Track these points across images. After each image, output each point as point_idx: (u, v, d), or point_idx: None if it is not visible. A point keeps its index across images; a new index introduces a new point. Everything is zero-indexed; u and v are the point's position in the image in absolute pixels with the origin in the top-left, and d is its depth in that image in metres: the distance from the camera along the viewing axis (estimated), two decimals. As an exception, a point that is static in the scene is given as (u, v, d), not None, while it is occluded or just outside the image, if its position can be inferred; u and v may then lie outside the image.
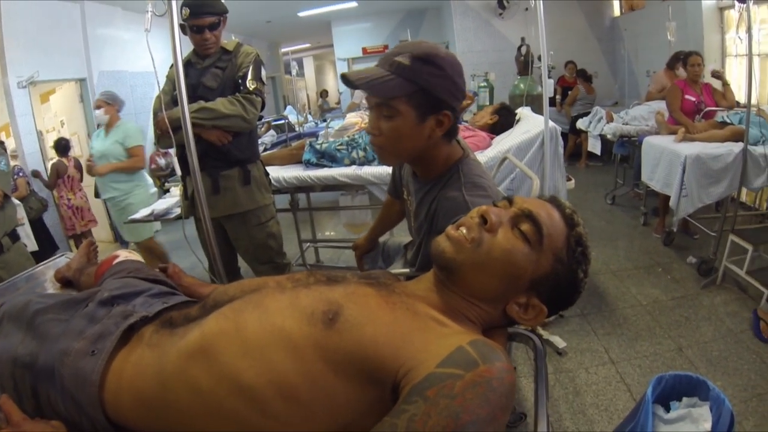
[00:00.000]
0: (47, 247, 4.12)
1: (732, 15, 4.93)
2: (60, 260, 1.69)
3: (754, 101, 3.00)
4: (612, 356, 2.49)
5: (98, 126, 3.80)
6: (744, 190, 3.62)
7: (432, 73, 1.03)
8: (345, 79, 1.05)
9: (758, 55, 4.63)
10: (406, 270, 1.14)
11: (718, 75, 3.92)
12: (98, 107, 3.65)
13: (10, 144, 4.68)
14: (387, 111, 1.07)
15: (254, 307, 0.76)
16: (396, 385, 0.64)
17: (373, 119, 1.11)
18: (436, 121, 1.09)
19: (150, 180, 4.07)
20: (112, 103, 3.67)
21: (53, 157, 5.17)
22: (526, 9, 7.08)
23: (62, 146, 4.93)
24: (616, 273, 3.40)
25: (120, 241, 5.31)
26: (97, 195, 5.07)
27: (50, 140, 5.81)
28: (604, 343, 2.60)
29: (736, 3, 3.07)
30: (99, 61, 5.67)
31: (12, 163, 3.97)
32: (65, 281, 1.46)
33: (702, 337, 2.59)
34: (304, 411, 0.66)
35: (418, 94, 1.04)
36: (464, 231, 0.78)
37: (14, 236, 2.42)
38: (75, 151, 5.35)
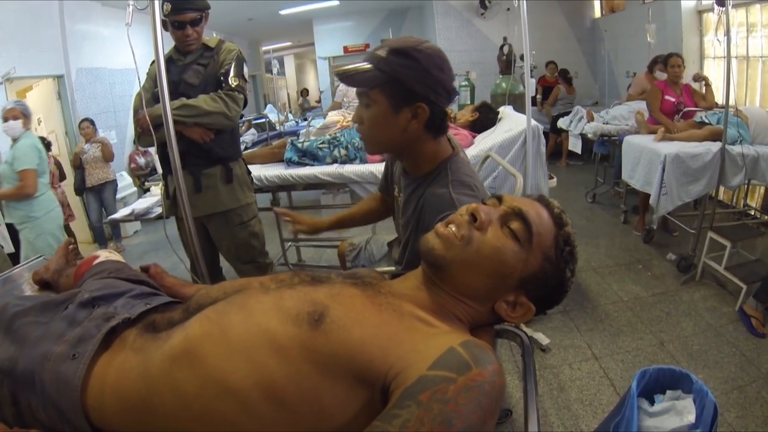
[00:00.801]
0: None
1: (710, 18, 5.05)
2: (38, 262, 1.65)
3: (732, 102, 3.07)
4: (595, 352, 2.53)
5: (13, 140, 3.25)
6: (722, 189, 3.70)
7: (405, 65, 1.06)
8: (336, 73, 1.11)
9: (735, 57, 4.75)
10: (392, 268, 1.15)
11: (700, 78, 4.01)
12: (14, 118, 3.18)
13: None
14: (365, 100, 1.12)
15: (238, 309, 0.75)
16: (385, 386, 0.64)
17: (357, 109, 1.16)
18: (412, 112, 1.10)
19: (58, 209, 3.53)
20: (28, 115, 3.28)
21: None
22: (508, 9, 7.15)
23: (44, 144, 4.82)
24: (598, 270, 3.45)
25: (99, 241, 5.22)
26: (76, 192, 5.00)
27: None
28: (587, 339, 2.64)
29: (716, 6, 3.14)
30: (77, 57, 5.54)
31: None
32: (43, 283, 1.42)
33: (683, 332, 2.64)
34: (292, 413, 0.65)
35: (391, 84, 1.07)
36: (454, 228, 0.78)
37: None
38: (53, 149, 5.23)
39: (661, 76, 4.39)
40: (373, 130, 1.15)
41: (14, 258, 3.28)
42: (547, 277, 0.77)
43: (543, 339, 2.60)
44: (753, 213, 4.07)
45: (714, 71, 5.19)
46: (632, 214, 4.35)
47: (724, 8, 2.92)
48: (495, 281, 0.77)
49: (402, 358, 0.64)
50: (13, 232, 3.44)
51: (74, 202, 5.10)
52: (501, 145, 2.70)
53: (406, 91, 1.08)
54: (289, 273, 0.88)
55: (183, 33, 2.10)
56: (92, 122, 4.99)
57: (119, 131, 6.21)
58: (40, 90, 5.65)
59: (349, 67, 1.09)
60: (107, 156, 4.98)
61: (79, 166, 4.89)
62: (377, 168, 2.63)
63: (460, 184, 1.13)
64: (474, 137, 2.95)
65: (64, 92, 5.47)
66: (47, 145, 4.85)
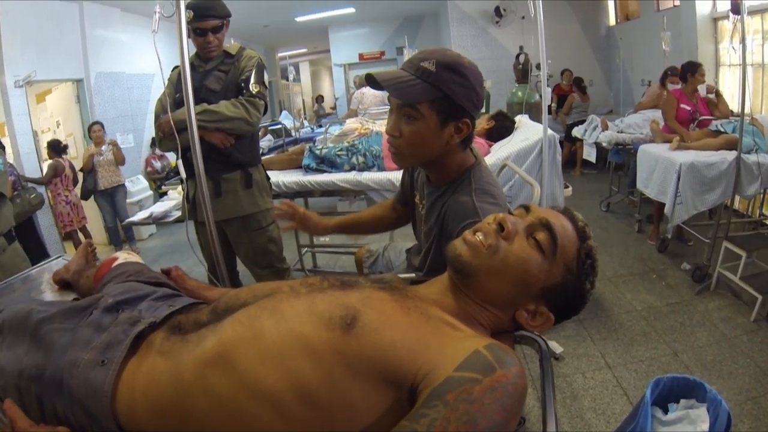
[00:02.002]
0: (35, 254, 3.27)
1: (725, 25, 5.01)
2: (57, 262, 1.69)
3: (747, 110, 3.04)
4: (608, 361, 2.51)
5: None
6: (737, 198, 3.66)
7: (456, 82, 1.06)
8: (371, 78, 1.06)
9: (751, 65, 4.70)
10: (412, 275, 1.16)
11: (712, 90, 3.99)
12: None
13: (6, 144, 4.65)
14: (410, 113, 1.09)
15: (270, 313, 0.76)
16: (414, 387, 0.66)
17: (395, 121, 1.13)
18: (456, 127, 1.11)
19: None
20: None
21: (46, 158, 5.15)
22: (523, 17, 7.15)
23: (60, 147, 4.92)
24: (612, 279, 3.42)
25: (114, 243, 5.31)
26: (83, 197, 5.07)
27: (46, 140, 5.78)
28: (601, 348, 2.61)
29: (731, 14, 3.12)
30: (96, 62, 5.66)
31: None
32: (63, 283, 1.45)
33: (697, 342, 2.61)
34: (324, 414, 0.67)
35: (441, 100, 1.07)
36: (481, 237, 0.79)
37: (10, 237, 2.40)
38: (70, 152, 5.33)
39: (672, 86, 4.40)
40: (415, 145, 1.12)
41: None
42: (567, 288, 0.79)
43: (556, 348, 2.59)
44: (769, 222, 4.01)
45: (729, 79, 5.15)
46: (647, 223, 4.31)
47: (739, 16, 2.90)
48: (518, 290, 0.78)
49: (430, 360, 0.66)
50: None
51: (87, 204, 5.18)
52: (517, 154, 2.70)
53: (455, 106, 1.08)
54: (318, 277, 0.88)
55: (204, 40, 2.14)
56: (102, 126, 5.06)
57: (136, 135, 6.32)
58: (60, 93, 5.77)
59: (396, 77, 1.06)
60: (119, 159, 5.06)
61: (91, 169, 4.95)
62: (395, 176, 2.64)
63: (483, 192, 1.13)
64: (490, 146, 2.95)
65: (83, 96, 5.58)
66: (63, 149, 4.96)
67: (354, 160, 2.85)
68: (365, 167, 2.85)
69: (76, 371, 0.77)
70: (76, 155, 5.43)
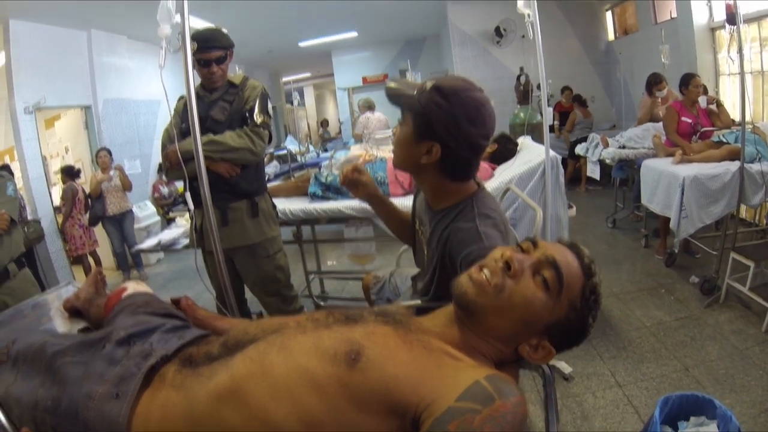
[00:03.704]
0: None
1: (723, 35, 5.01)
2: (67, 289, 1.70)
3: (748, 119, 3.03)
4: (618, 379, 2.46)
5: None
6: (744, 207, 3.63)
7: (435, 103, 1.09)
8: (386, 87, 1.19)
9: (750, 72, 4.68)
10: (418, 301, 1.17)
11: (713, 101, 3.99)
12: None
13: (15, 169, 4.72)
14: (402, 118, 1.19)
15: (279, 349, 0.79)
16: (416, 417, 0.69)
17: (399, 121, 1.23)
18: (427, 148, 1.13)
19: None
20: None
21: (56, 182, 5.21)
22: (523, 36, 7.22)
23: (74, 172, 4.98)
24: (620, 296, 3.38)
25: (122, 268, 5.33)
26: (91, 223, 5.11)
27: (54, 165, 5.86)
28: (610, 367, 2.57)
29: (726, 24, 3.13)
30: (104, 88, 5.77)
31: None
32: (74, 311, 1.47)
33: (708, 356, 2.56)
34: None
35: (420, 115, 1.11)
36: (487, 274, 0.81)
37: (20, 263, 2.42)
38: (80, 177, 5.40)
39: (660, 94, 4.44)
40: (398, 145, 1.22)
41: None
42: (570, 324, 0.81)
43: (565, 368, 2.54)
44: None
45: (729, 88, 5.15)
46: (653, 237, 4.27)
47: (735, 26, 2.92)
48: (521, 327, 0.80)
49: (432, 391, 0.70)
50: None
51: (97, 229, 5.22)
52: (521, 177, 2.69)
53: (428, 126, 1.11)
54: (323, 312, 0.92)
55: (209, 70, 2.18)
56: (109, 152, 5.13)
57: (143, 161, 6.39)
58: (68, 119, 5.88)
59: (398, 86, 1.18)
60: (125, 185, 5.11)
61: (99, 195, 5.00)
62: (400, 202, 2.63)
63: (486, 217, 1.14)
64: (494, 169, 2.96)
65: (91, 122, 5.68)
66: (77, 173, 5.03)
67: None
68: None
69: (91, 404, 0.81)
70: (84, 180, 5.49)
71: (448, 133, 1.10)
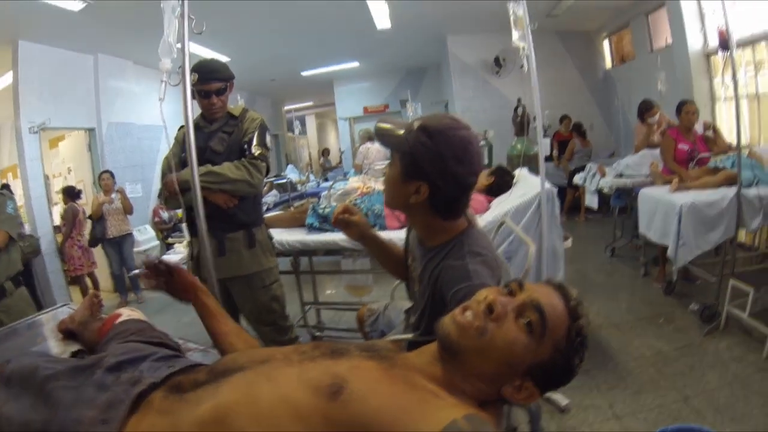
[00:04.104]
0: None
1: (718, 60, 5.07)
2: (62, 310, 1.74)
3: (744, 143, 3.05)
4: (616, 411, 2.40)
5: None
6: (744, 231, 3.61)
7: (422, 143, 1.11)
8: (375, 128, 1.21)
9: (746, 96, 4.74)
10: (410, 335, 1.19)
11: (709, 126, 4.02)
12: None
13: (17, 187, 4.77)
14: (391, 158, 1.21)
15: (265, 380, 0.81)
16: None
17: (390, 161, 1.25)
18: (415, 188, 1.14)
19: None
20: None
21: (57, 202, 5.23)
22: (521, 66, 7.31)
23: (74, 192, 5.02)
24: (618, 326, 3.33)
25: (120, 291, 5.30)
26: (91, 244, 5.12)
27: (56, 185, 5.91)
28: (608, 398, 2.51)
29: (720, 50, 3.17)
30: (109, 112, 5.87)
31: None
32: (68, 333, 1.50)
33: (708, 385, 2.51)
34: None
35: (407, 155, 1.14)
36: (470, 316, 0.82)
37: (17, 281, 2.42)
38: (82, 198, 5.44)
39: (652, 120, 4.48)
40: (387, 184, 1.24)
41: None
42: (555, 366, 0.81)
43: (562, 399, 2.48)
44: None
45: (726, 113, 5.17)
46: (652, 266, 4.24)
47: (728, 51, 2.96)
48: (504, 368, 0.81)
49: (411, 428, 0.71)
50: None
51: (96, 250, 5.23)
52: (516, 209, 2.69)
53: (415, 166, 1.13)
54: (310, 345, 0.93)
55: (209, 102, 2.21)
56: (112, 175, 5.18)
57: (145, 185, 6.44)
58: (72, 140, 5.97)
59: (388, 125, 1.19)
60: (126, 208, 5.13)
61: (100, 217, 5.01)
62: (396, 235, 2.63)
63: (476, 255, 1.14)
64: (490, 201, 2.96)
65: (95, 145, 5.77)
66: (77, 194, 5.06)
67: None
68: (382, 227, 2.84)
69: (80, 428, 0.82)
70: (86, 202, 5.52)
71: (435, 172, 1.12)
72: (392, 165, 1.19)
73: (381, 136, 1.19)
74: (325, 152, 13.67)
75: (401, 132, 1.15)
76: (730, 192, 3.14)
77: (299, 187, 6.02)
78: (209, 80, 2.16)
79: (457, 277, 1.09)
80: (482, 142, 6.73)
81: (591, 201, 5.15)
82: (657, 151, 4.16)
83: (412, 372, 0.83)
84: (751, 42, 4.62)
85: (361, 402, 0.73)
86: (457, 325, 0.82)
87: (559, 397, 2.47)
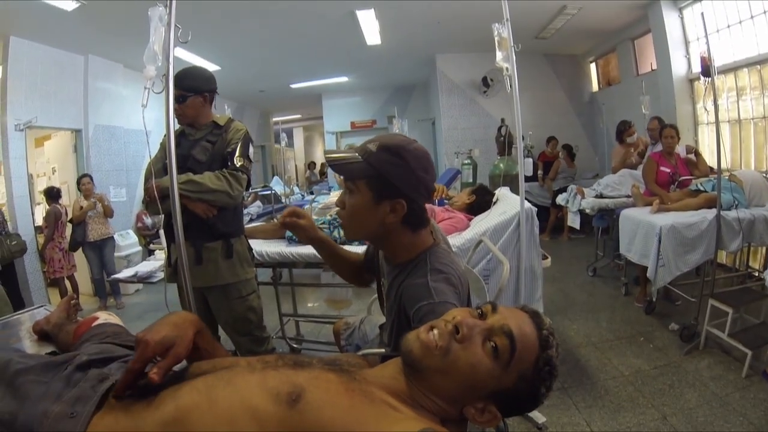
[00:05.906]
0: (12, 301, 3.28)
1: (701, 86, 5.24)
2: (39, 311, 1.74)
3: (725, 167, 3.12)
4: (594, 429, 2.40)
5: None
6: (723, 252, 3.67)
7: (392, 162, 1.12)
8: (326, 159, 1.20)
9: (728, 121, 4.89)
10: (382, 350, 1.19)
11: (692, 150, 4.12)
12: None
13: (0, 185, 4.70)
14: (350, 188, 1.18)
15: (226, 384, 0.81)
16: None
17: (341, 194, 1.23)
18: (391, 207, 1.15)
19: None
20: None
21: (40, 201, 5.14)
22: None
23: (54, 193, 4.94)
24: (598, 345, 3.34)
25: (99, 295, 5.21)
26: (71, 248, 5.03)
27: (40, 185, 5.82)
28: (586, 416, 2.51)
29: (701, 77, 3.26)
30: (96, 114, 5.81)
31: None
32: (43, 334, 1.49)
33: (686, 404, 2.53)
34: None
35: (376, 178, 1.13)
36: (435, 335, 0.82)
37: None
38: (63, 199, 5.35)
39: (630, 140, 4.66)
40: (353, 217, 1.20)
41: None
42: (519, 394, 0.81)
43: (539, 417, 2.48)
44: (757, 275, 4.01)
45: (708, 137, 5.32)
46: (634, 285, 4.29)
47: (709, 78, 3.04)
48: (465, 390, 0.81)
49: None
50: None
51: (76, 254, 5.14)
52: (495, 228, 2.69)
53: (389, 186, 1.13)
54: (274, 356, 0.94)
55: (176, 107, 2.18)
56: (92, 179, 5.11)
57: (129, 190, 6.36)
58: (58, 140, 5.89)
59: (339, 155, 1.17)
60: (107, 212, 5.06)
61: (81, 221, 4.94)
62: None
63: (438, 272, 1.15)
64: (470, 220, 2.97)
65: (80, 146, 5.69)
66: (57, 194, 4.98)
67: (336, 233, 2.85)
68: (347, 241, 2.84)
69: (46, 421, 0.82)
70: (69, 203, 5.43)
71: (409, 186, 1.13)
72: (355, 194, 1.16)
73: (338, 166, 1.17)
74: (311, 165, 13.69)
75: (359, 158, 1.14)
76: (709, 214, 3.21)
77: (284, 199, 5.97)
78: (176, 87, 2.15)
79: (419, 295, 1.10)
80: (467, 161, 6.81)
81: (573, 221, 5.21)
82: (636, 172, 4.24)
83: (372, 386, 0.83)
84: (733, 69, 4.77)
85: (318, 411, 0.74)
86: (420, 342, 0.82)
87: (536, 414, 2.47)
